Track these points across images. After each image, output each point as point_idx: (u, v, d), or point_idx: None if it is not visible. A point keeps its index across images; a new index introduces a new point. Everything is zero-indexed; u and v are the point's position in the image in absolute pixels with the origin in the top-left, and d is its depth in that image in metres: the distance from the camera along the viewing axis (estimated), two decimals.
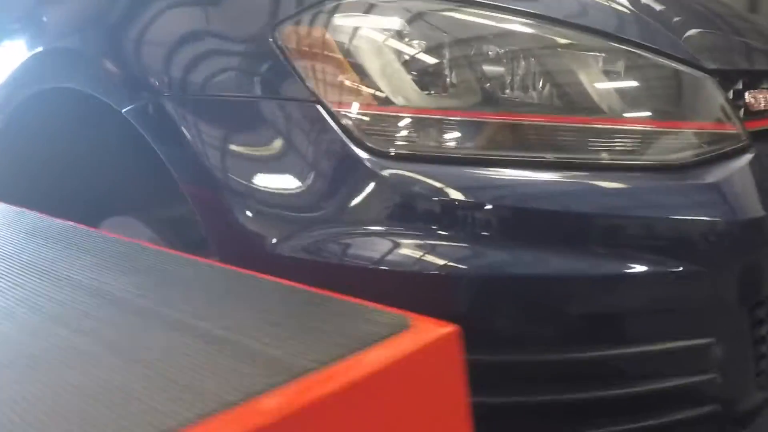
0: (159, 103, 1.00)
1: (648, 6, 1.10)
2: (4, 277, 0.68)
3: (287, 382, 0.44)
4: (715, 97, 0.98)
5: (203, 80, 0.98)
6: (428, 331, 0.53)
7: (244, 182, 0.93)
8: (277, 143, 0.93)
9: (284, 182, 0.92)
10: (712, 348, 0.91)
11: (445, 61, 0.91)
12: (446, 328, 0.53)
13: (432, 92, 0.91)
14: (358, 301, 0.59)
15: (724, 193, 0.92)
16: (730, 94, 1.02)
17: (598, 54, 0.92)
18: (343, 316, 0.55)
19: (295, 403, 0.42)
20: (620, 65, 0.92)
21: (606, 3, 1.05)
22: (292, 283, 0.61)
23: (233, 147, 0.96)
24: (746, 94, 1.05)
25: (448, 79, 0.90)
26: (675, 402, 0.93)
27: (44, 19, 1.25)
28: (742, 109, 1.03)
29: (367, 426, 0.46)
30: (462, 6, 0.93)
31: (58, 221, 0.88)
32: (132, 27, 1.06)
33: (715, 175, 0.92)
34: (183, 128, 0.97)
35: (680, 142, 0.94)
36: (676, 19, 1.09)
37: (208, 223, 0.97)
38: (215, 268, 0.70)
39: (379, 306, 0.57)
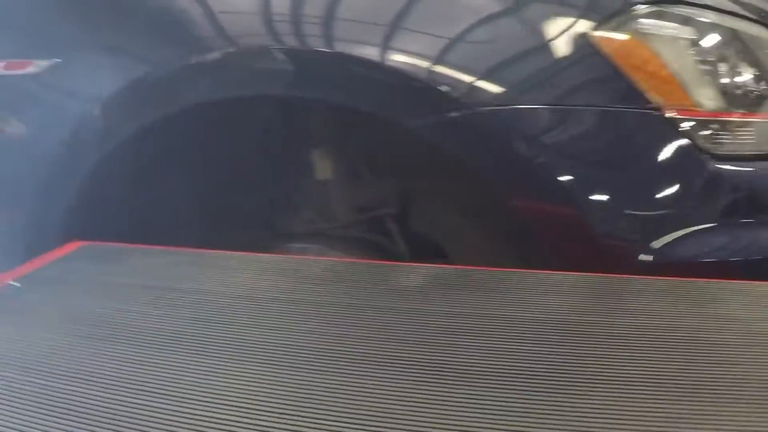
0: (479, 114, 0.96)
1: None
2: None
3: None
4: None
5: (534, 90, 0.97)
6: None
7: (606, 195, 0.95)
8: (629, 153, 0.97)
9: (647, 191, 0.96)
10: None
11: (756, 69, 0.99)
12: None
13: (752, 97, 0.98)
14: None
15: None
16: None
17: None
18: None
19: None
20: None
21: None
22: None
23: (582, 158, 0.98)
24: None
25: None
26: None
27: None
28: None
29: None
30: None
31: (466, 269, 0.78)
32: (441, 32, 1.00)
33: None
34: (519, 141, 0.97)
35: None
36: None
37: (557, 236, 0.97)
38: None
39: None
